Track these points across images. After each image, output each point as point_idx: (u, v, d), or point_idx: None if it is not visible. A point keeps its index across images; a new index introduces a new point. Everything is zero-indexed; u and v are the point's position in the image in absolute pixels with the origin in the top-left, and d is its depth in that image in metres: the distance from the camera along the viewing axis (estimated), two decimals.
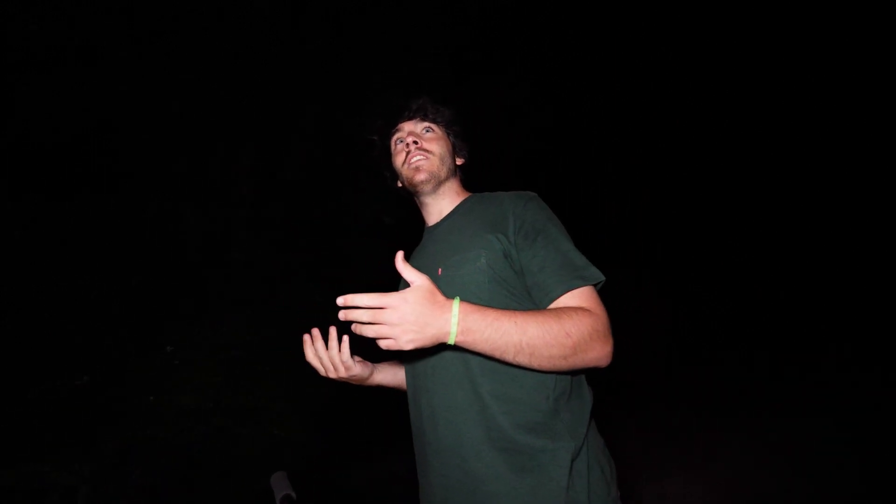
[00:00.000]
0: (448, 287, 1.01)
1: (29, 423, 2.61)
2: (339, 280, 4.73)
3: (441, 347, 0.93)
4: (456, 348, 0.88)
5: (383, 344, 0.79)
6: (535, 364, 0.85)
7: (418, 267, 1.05)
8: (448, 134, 1.20)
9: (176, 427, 2.83)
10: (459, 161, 1.23)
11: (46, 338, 2.86)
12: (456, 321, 0.80)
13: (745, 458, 3.87)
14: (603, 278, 0.97)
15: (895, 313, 6.75)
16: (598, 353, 0.88)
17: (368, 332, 0.79)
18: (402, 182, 1.20)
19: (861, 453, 3.54)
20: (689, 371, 6.78)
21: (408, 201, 1.28)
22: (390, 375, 1.17)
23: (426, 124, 1.19)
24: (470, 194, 1.20)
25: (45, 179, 3.53)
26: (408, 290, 0.80)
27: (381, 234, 5.29)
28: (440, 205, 1.18)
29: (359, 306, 0.78)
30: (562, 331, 0.85)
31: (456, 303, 0.82)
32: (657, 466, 3.78)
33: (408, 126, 1.19)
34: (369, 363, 1.16)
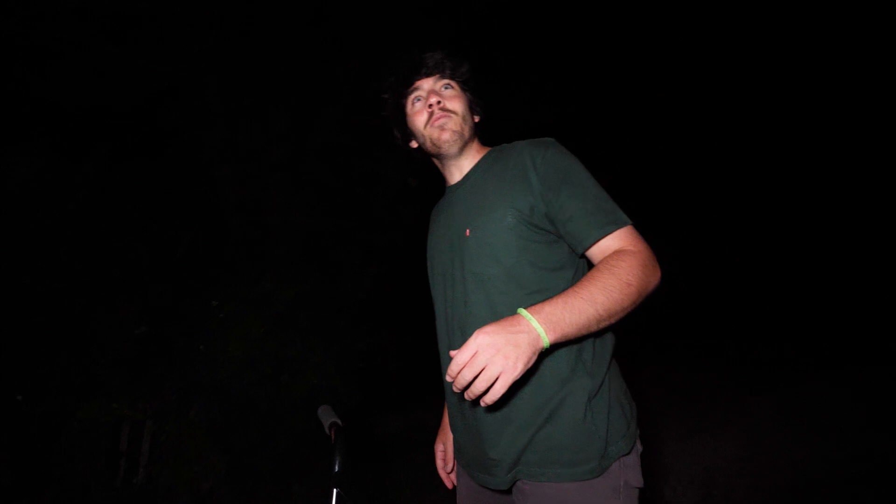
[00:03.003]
0: (477, 247, 1.02)
1: (102, 366, 2.94)
2: (369, 242, 4.91)
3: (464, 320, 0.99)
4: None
5: (499, 385, 0.75)
6: (617, 319, 0.87)
7: (445, 229, 1.13)
8: (465, 91, 1.16)
9: (225, 373, 3.12)
10: (477, 118, 1.19)
11: (109, 293, 3.17)
12: (536, 323, 0.79)
13: (771, 420, 3.92)
14: (629, 221, 0.98)
15: None
16: (655, 282, 0.91)
17: (481, 385, 0.75)
18: (419, 143, 1.17)
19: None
20: (717, 340, 6.73)
21: (422, 162, 1.26)
22: None
23: (445, 81, 1.13)
24: (488, 149, 1.17)
25: (102, 145, 3.77)
26: (475, 332, 0.78)
27: (408, 197, 5.39)
28: (462, 164, 1.15)
29: (458, 372, 0.76)
30: (622, 283, 0.86)
31: (522, 310, 0.82)
32: (678, 425, 3.90)
33: (426, 84, 1.13)
34: (447, 432, 1.24)
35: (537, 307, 0.82)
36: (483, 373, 0.75)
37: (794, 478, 2.92)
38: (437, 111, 1.10)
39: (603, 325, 0.85)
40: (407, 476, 3.36)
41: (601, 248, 0.95)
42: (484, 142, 1.21)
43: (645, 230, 1.00)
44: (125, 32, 3.73)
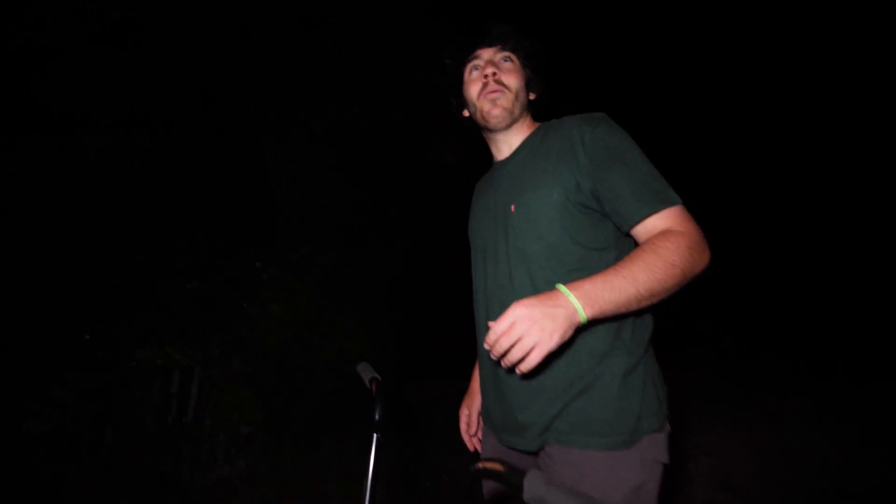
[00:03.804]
0: (522, 223, 1.02)
1: (156, 315, 3.22)
2: (403, 217, 5.03)
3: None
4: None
5: (534, 356, 0.78)
6: (659, 300, 0.87)
7: (490, 203, 1.13)
8: (525, 66, 1.14)
9: (265, 330, 3.35)
10: (532, 96, 1.16)
11: (167, 250, 3.42)
12: (574, 298, 0.80)
13: (793, 421, 3.90)
14: (679, 201, 0.95)
15: None
16: (702, 264, 0.90)
17: (517, 353, 0.78)
18: (471, 113, 1.16)
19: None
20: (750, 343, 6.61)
21: (472, 133, 1.24)
22: None
23: (506, 53, 1.12)
24: (539, 125, 1.16)
25: (159, 116, 3.97)
26: (513, 304, 0.80)
27: (446, 172, 5.43)
28: (511, 140, 1.14)
29: (496, 340, 0.79)
30: (666, 264, 0.85)
31: (561, 286, 0.83)
32: (700, 419, 3.93)
33: (486, 54, 1.12)
34: (474, 397, 1.28)
35: (577, 283, 0.82)
36: (519, 342, 0.77)
37: (813, 479, 2.93)
38: (491, 83, 1.10)
39: (644, 304, 0.85)
40: (429, 441, 3.55)
41: (647, 227, 0.93)
42: (537, 118, 1.20)
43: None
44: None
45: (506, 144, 1.15)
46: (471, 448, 1.32)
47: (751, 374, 5.47)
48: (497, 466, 0.60)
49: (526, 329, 0.77)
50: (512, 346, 0.78)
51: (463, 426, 1.32)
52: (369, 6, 4.70)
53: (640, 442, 0.94)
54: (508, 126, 1.12)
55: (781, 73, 7.71)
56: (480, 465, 0.63)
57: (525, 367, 0.79)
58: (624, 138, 1.00)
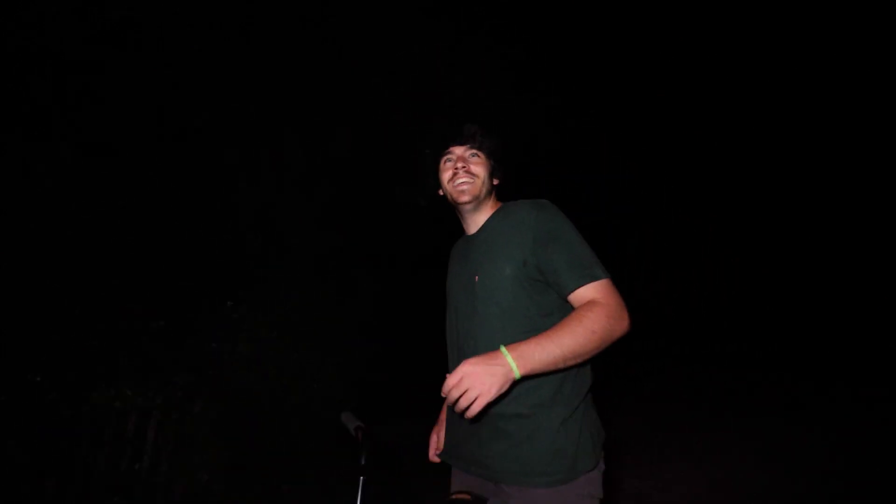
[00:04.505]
0: (483, 290, 1.24)
1: (117, 353, 3.11)
2: (377, 255, 5.10)
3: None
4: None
5: (477, 404, 0.96)
6: (581, 361, 1.06)
7: (461, 271, 1.36)
8: (490, 159, 1.38)
9: (234, 371, 3.29)
10: (496, 181, 1.41)
11: (133, 286, 3.35)
12: (511, 359, 1.00)
13: (742, 454, 4.09)
14: (604, 276, 1.15)
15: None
16: (620, 329, 1.09)
17: (464, 402, 0.97)
18: (445, 192, 1.40)
19: (848, 457, 3.72)
20: (689, 369, 6.91)
21: (445, 206, 1.46)
22: None
23: (473, 150, 1.37)
24: (500, 205, 1.38)
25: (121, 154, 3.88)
26: (462, 362, 1.00)
27: (418, 213, 5.53)
28: (477, 218, 1.37)
29: (448, 391, 0.99)
30: (587, 331, 1.05)
31: (503, 347, 1.03)
32: (656, 453, 4.07)
33: (458, 150, 1.37)
34: (442, 426, 1.44)
35: (515, 345, 1.02)
36: (466, 394, 0.97)
37: None
38: (461, 173, 1.33)
39: (569, 363, 1.05)
40: (410, 479, 3.48)
41: (578, 297, 1.14)
42: (500, 198, 1.43)
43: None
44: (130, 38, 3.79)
45: (472, 222, 1.38)
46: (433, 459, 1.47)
47: (690, 403, 5.69)
48: (465, 496, 0.71)
49: (471, 383, 0.97)
50: (461, 396, 0.97)
51: (432, 451, 1.48)
52: (369, 6, 4.86)
53: (577, 481, 1.13)
54: (475, 207, 1.35)
55: (781, 74, 7.89)
56: (453, 496, 0.72)
57: (470, 413, 0.98)
58: (563, 222, 1.22)
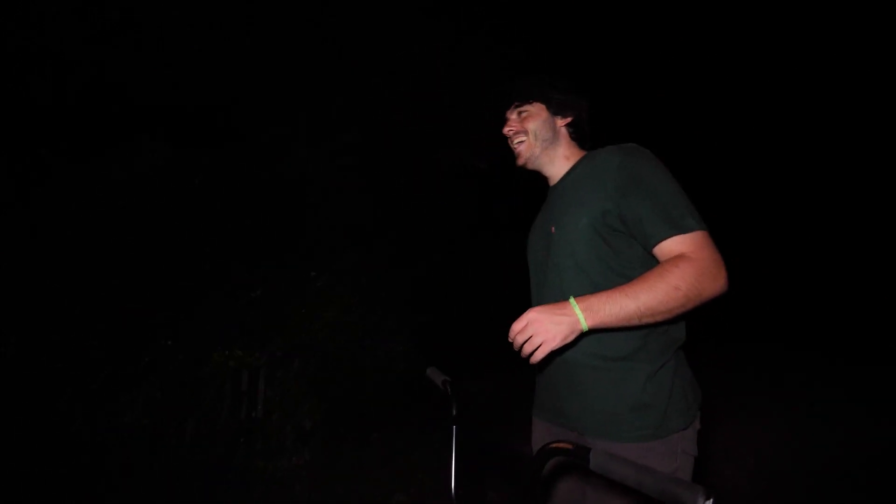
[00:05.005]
0: (559, 242, 1.17)
1: (230, 321, 3.60)
2: (436, 219, 5.24)
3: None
4: None
5: (541, 351, 0.96)
6: (661, 319, 0.98)
7: (541, 223, 1.32)
8: (544, 103, 1.28)
9: (322, 334, 3.68)
10: (564, 121, 1.29)
11: (230, 261, 3.80)
12: (578, 310, 0.96)
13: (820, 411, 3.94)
14: (698, 228, 1.02)
15: None
16: (712, 289, 0.97)
17: (528, 348, 0.97)
18: None
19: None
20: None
21: (499, 141, 1.39)
22: None
23: (518, 108, 1.30)
24: (584, 154, 1.29)
25: (196, 132, 4.19)
26: (529, 310, 0.99)
27: (474, 177, 5.60)
28: (552, 171, 1.30)
29: (513, 337, 0.99)
30: (669, 286, 0.95)
31: (572, 299, 0.99)
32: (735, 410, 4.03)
33: (509, 114, 1.32)
34: None
35: (585, 297, 0.98)
36: (530, 340, 0.96)
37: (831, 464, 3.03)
38: (511, 138, 1.31)
39: (646, 320, 0.96)
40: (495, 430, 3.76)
41: (664, 250, 1.02)
42: (584, 144, 1.32)
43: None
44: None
45: (551, 174, 1.32)
46: None
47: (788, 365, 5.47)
48: (567, 445, 0.75)
49: (535, 329, 0.96)
50: (526, 343, 0.97)
51: None
52: (369, 6, 4.81)
53: (669, 437, 1.07)
54: (536, 163, 1.30)
55: (780, 74, 7.75)
56: (552, 444, 0.78)
57: (534, 359, 0.98)
58: (650, 166, 1.10)
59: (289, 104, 4.71)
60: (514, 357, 1.04)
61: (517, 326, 0.98)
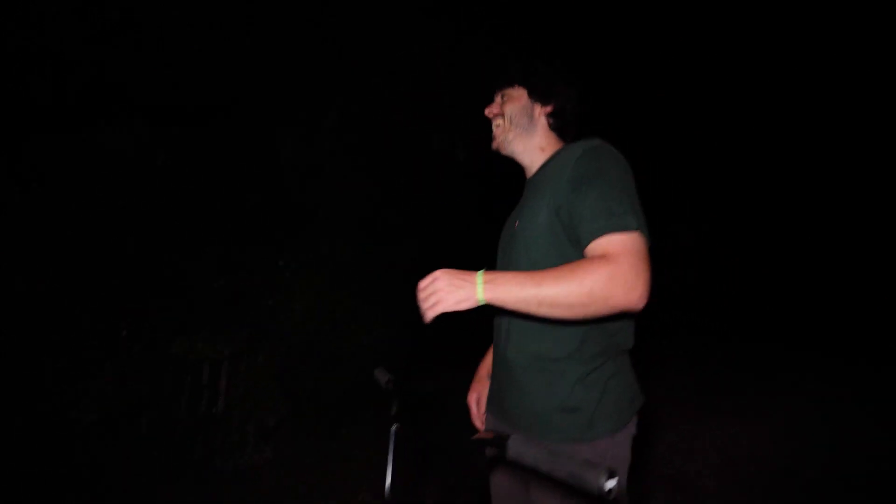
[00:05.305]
0: (519, 238, 1.15)
1: (187, 311, 3.41)
2: (416, 211, 5.13)
3: (502, 312, 1.12)
4: (504, 313, 1.06)
5: (431, 311, 0.95)
6: (559, 314, 0.93)
7: (511, 219, 1.28)
8: (525, 87, 1.23)
9: (289, 325, 3.51)
10: (544, 109, 1.22)
11: (193, 246, 3.60)
12: (480, 280, 0.93)
13: (800, 414, 3.91)
14: (636, 229, 0.95)
15: None
16: (624, 299, 0.90)
17: (424, 305, 0.96)
18: None
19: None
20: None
21: (482, 131, 1.35)
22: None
23: (503, 91, 1.26)
24: (562, 145, 1.22)
25: (176, 112, 4.07)
26: (438, 270, 0.98)
27: (458, 166, 5.51)
28: (526, 160, 1.24)
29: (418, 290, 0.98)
30: (576, 283, 0.89)
31: (481, 271, 0.96)
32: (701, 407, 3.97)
33: (495, 97, 1.28)
34: (483, 383, 1.40)
35: (495, 272, 0.96)
36: (429, 297, 0.95)
37: (818, 468, 2.97)
38: (492, 120, 1.27)
39: (544, 309, 0.92)
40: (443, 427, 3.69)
41: (592, 250, 0.97)
42: (567, 136, 1.25)
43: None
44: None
45: (526, 163, 1.26)
46: (480, 428, 1.44)
47: (749, 363, 5.46)
48: (488, 434, 0.77)
49: (434, 288, 0.94)
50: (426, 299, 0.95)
51: (473, 411, 1.45)
52: (369, 6, 4.76)
53: (597, 441, 1.06)
54: (509, 150, 1.24)
55: (780, 73, 7.80)
56: (475, 436, 0.78)
57: (426, 317, 0.96)
58: (607, 163, 1.04)
59: (272, 88, 4.56)
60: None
61: (423, 283, 0.97)
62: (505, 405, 1.18)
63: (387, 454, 1.12)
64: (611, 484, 0.74)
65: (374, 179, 5.01)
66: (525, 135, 1.22)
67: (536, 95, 1.22)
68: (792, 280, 7.76)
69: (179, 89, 3.98)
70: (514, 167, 1.33)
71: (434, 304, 0.94)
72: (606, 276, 0.89)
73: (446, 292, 0.93)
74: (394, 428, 1.14)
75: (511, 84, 1.23)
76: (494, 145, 1.26)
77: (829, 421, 3.72)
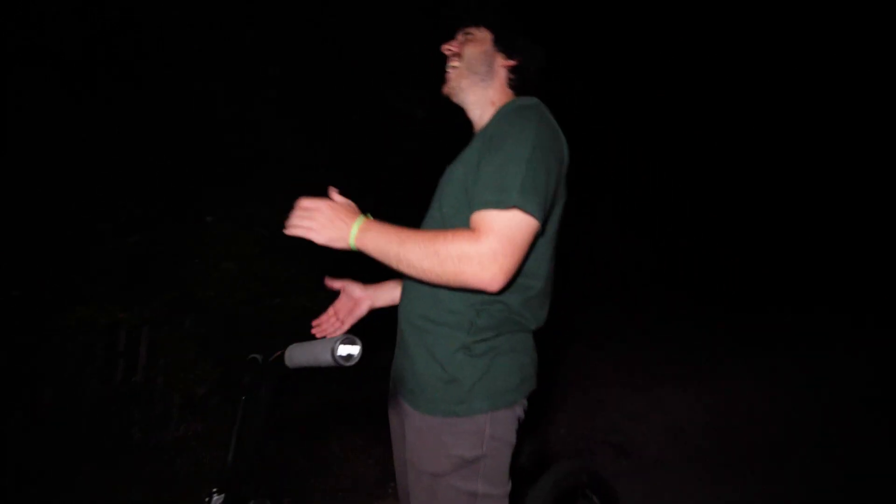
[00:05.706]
0: (440, 191, 1.11)
1: (94, 272, 3.00)
2: (366, 171, 4.82)
3: None
4: None
5: (298, 232, 0.95)
6: (415, 274, 0.93)
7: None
8: (491, 33, 1.14)
9: (219, 289, 3.18)
10: (506, 62, 1.13)
11: (103, 198, 3.16)
12: (356, 227, 0.95)
13: (742, 381, 4.03)
14: (520, 206, 0.89)
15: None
16: (475, 278, 0.88)
17: (297, 227, 0.96)
18: None
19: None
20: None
21: (438, 88, 1.23)
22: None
23: (467, 30, 1.15)
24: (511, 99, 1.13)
25: (110, 68, 3.68)
26: (331, 200, 0.98)
27: (410, 124, 5.26)
28: (476, 113, 1.15)
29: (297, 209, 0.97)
30: (433, 249, 0.89)
31: (361, 216, 0.97)
32: (651, 378, 4.03)
33: (457, 35, 1.17)
34: (367, 289, 1.37)
35: (374, 221, 0.96)
36: (305, 220, 0.95)
37: (758, 435, 3.05)
38: (448, 60, 1.16)
39: (402, 268, 0.93)
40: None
41: (473, 220, 0.93)
42: (525, 91, 1.14)
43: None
44: None
45: (474, 116, 1.16)
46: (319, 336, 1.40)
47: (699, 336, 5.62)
48: (277, 353, 0.93)
49: (314, 217, 0.95)
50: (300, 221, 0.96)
51: (321, 318, 1.44)
52: (369, 6, 4.71)
53: (475, 418, 0.99)
54: (459, 97, 1.15)
55: (779, 73, 7.94)
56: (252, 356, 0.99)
57: (288, 230, 0.97)
58: (519, 129, 0.97)
59: (209, 40, 4.14)
60: None
61: (306, 203, 0.97)
62: (397, 367, 1.15)
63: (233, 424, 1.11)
64: (346, 350, 0.84)
65: (320, 138, 4.68)
66: (480, 84, 1.13)
67: (501, 44, 1.14)
68: (768, 255, 7.96)
69: (109, 44, 3.59)
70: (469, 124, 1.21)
71: (306, 230, 0.95)
72: (461, 253, 0.88)
73: (322, 225, 0.94)
74: (243, 399, 1.14)
75: (476, 24, 1.14)
76: (445, 90, 1.16)
77: (770, 390, 3.84)
